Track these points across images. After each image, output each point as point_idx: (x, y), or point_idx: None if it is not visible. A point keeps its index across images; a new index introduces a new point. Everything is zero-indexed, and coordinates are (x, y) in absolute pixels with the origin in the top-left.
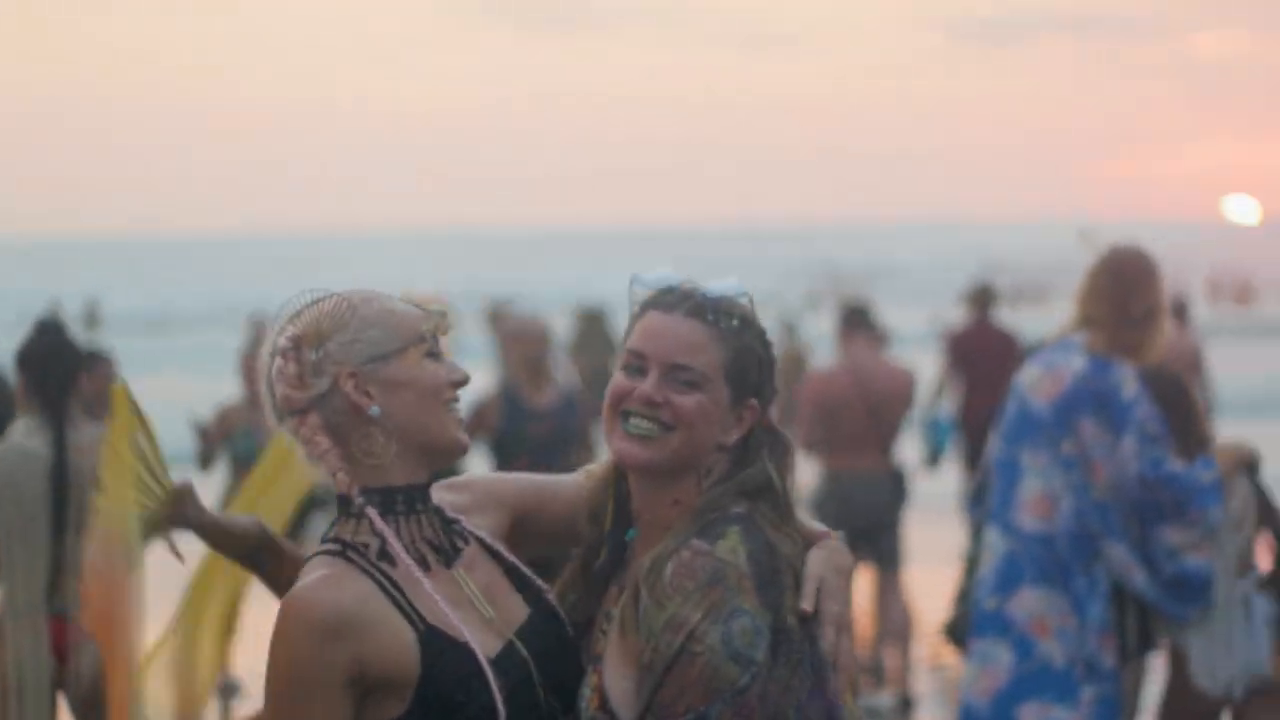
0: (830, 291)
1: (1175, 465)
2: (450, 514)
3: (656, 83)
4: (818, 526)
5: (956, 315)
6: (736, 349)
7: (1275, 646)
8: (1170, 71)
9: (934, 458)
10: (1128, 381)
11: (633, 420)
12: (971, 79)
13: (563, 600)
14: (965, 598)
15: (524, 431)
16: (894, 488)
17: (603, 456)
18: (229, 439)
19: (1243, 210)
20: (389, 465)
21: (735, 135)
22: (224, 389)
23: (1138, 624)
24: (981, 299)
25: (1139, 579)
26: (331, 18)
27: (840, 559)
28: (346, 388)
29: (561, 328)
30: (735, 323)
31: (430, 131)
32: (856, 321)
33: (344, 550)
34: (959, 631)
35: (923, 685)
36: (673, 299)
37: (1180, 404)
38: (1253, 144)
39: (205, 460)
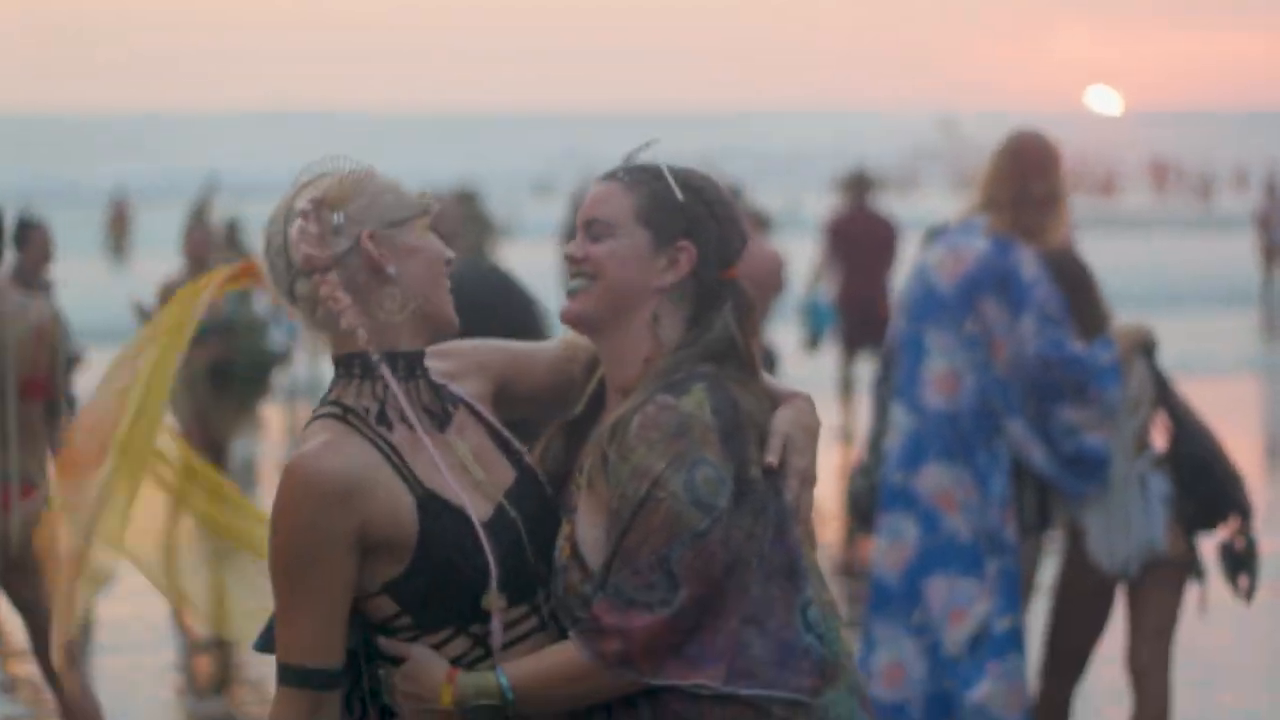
0: None
1: (1075, 346)
2: (438, 379)
3: None
4: (785, 387)
5: (818, 202)
6: (646, 195)
7: (1169, 524)
8: None
9: (814, 340)
10: (1028, 263)
11: (571, 280)
12: None
13: (547, 449)
14: (868, 472)
15: None
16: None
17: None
18: None
19: (1104, 101)
20: (398, 327)
21: (591, 27)
22: (88, 267)
23: (1036, 500)
24: (858, 186)
25: (1037, 456)
26: None
27: (807, 418)
28: (367, 247)
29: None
30: (636, 171)
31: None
32: None
33: (345, 414)
34: (861, 505)
35: None
36: (601, 174)
37: (1081, 286)
38: (1114, 36)
39: None
